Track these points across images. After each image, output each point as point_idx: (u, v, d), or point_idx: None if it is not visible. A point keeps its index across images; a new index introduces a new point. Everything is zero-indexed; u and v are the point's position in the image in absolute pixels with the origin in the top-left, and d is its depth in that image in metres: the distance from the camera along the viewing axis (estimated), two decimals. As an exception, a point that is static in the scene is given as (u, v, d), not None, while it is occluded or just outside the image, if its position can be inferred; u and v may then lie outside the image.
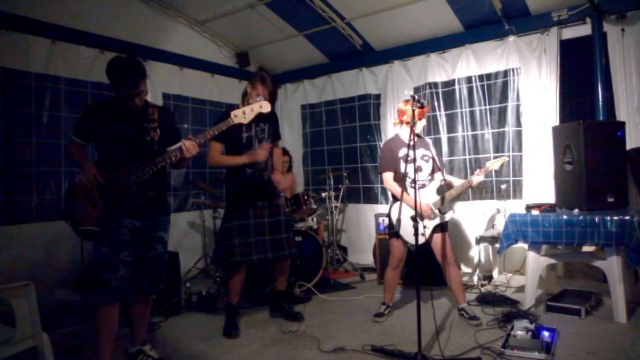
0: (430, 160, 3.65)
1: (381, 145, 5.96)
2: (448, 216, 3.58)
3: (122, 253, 2.62)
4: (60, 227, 4.30)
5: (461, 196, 4.01)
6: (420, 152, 3.61)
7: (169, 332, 3.57)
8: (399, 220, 3.02)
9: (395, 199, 3.60)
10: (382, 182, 5.85)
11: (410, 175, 3.29)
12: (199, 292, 4.20)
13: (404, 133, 3.63)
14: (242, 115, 2.79)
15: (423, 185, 3.59)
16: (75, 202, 2.62)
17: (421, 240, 3.34)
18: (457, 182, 3.64)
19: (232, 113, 2.79)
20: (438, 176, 3.68)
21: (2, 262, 4.02)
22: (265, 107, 2.82)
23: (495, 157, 3.75)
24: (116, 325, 2.70)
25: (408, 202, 3.36)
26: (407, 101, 3.58)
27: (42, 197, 4.42)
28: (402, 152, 3.56)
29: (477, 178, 3.51)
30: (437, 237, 3.55)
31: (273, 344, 3.26)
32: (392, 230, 3.54)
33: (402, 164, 3.44)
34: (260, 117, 3.05)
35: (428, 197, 3.54)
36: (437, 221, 3.54)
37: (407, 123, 3.55)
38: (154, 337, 3.40)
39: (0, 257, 4.04)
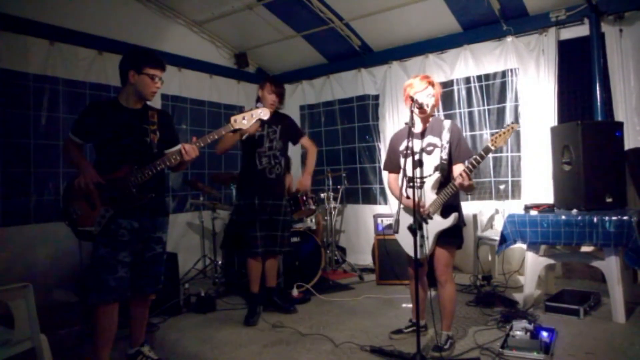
0: (437, 150, 2.94)
1: (380, 146, 5.97)
2: (449, 221, 2.88)
3: (121, 254, 2.61)
4: (58, 228, 4.30)
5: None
6: (424, 142, 2.96)
7: (167, 333, 3.56)
8: (397, 221, 2.75)
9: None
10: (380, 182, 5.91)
11: (408, 172, 2.79)
12: (198, 293, 4.19)
13: (410, 116, 2.86)
14: (242, 121, 2.80)
15: (424, 183, 2.92)
16: (73, 203, 2.62)
17: (421, 253, 2.73)
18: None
19: (232, 118, 2.80)
20: (457, 168, 2.91)
21: (1, 263, 4.01)
22: (264, 114, 2.86)
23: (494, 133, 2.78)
24: (115, 326, 2.69)
25: (407, 206, 2.91)
26: (415, 77, 3.05)
27: (41, 198, 4.42)
28: (403, 145, 2.98)
29: (459, 179, 2.72)
30: (436, 250, 2.97)
31: (272, 344, 3.26)
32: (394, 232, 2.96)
33: (403, 160, 2.88)
34: (272, 120, 3.57)
35: (425, 198, 2.91)
36: (437, 228, 2.89)
37: (411, 110, 2.89)
38: (152, 338, 3.39)
39: (-1, 258, 4.04)
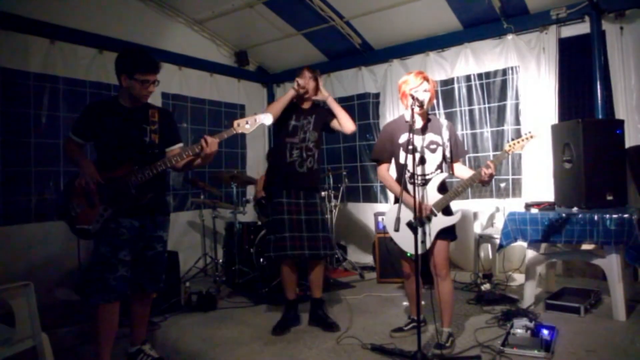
0: (440, 149, 3.01)
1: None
2: (455, 219, 2.97)
3: (121, 253, 2.62)
4: (59, 227, 4.30)
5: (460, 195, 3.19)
6: (426, 138, 3.02)
7: (168, 331, 3.57)
8: (398, 219, 2.60)
9: (396, 198, 2.99)
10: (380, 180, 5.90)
11: (410, 168, 2.79)
12: (199, 292, 4.20)
13: (410, 114, 2.89)
14: (245, 126, 2.79)
15: (426, 181, 2.97)
16: (73, 200, 2.62)
17: (422, 249, 2.87)
18: (467, 175, 2.99)
19: (235, 122, 2.79)
20: (457, 168, 3.09)
21: (2, 262, 4.02)
22: (267, 119, 2.84)
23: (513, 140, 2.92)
24: (116, 324, 2.69)
25: (407, 202, 2.86)
26: (409, 73, 3.14)
27: (41, 197, 4.42)
28: (404, 137, 2.99)
29: (487, 170, 2.81)
30: (435, 244, 2.98)
31: (273, 343, 3.26)
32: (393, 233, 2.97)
33: (403, 154, 2.96)
34: (307, 110, 3.63)
35: (427, 196, 2.95)
36: (440, 225, 2.94)
37: (407, 106, 3.02)
38: (153, 336, 3.40)
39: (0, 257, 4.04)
